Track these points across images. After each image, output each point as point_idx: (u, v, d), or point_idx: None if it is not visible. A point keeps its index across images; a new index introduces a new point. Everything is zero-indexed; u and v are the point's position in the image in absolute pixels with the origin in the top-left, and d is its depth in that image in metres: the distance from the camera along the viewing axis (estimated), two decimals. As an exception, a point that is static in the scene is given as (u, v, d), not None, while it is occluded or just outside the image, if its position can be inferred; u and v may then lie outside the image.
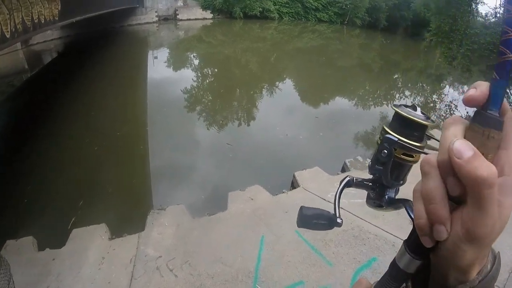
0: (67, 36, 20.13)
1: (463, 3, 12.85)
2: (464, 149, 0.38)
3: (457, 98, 14.09)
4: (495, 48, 10.15)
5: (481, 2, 13.42)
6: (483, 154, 0.39)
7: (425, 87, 16.35)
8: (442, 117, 11.89)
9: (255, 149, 8.24)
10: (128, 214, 5.65)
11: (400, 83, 17.24)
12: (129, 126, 9.13)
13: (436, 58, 16.56)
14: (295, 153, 7.95)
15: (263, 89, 12.96)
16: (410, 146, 0.57)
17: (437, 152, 0.42)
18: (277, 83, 14.05)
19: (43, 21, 7.33)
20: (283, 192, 5.41)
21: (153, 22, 28.01)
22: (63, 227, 4.88)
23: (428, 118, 0.57)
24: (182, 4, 30.29)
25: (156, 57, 18.43)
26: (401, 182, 0.64)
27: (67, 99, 10.42)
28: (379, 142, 0.61)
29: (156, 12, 28.45)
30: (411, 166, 0.61)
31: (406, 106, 0.59)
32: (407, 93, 15.25)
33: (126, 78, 13.74)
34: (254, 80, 14.30)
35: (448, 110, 12.48)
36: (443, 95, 14.73)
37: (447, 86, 16.46)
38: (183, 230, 4.32)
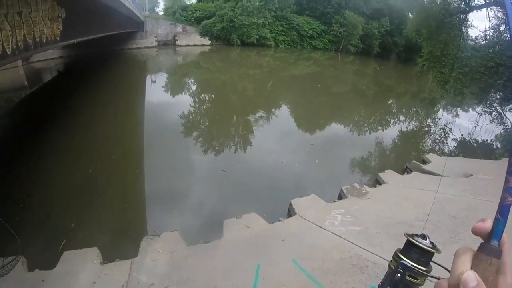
0: (68, 56, 20.47)
1: (454, 28, 13.12)
2: (470, 280, 0.52)
3: (451, 121, 14.30)
4: (486, 70, 10.34)
5: (471, 26, 13.79)
6: (485, 278, 0.54)
7: (419, 111, 16.55)
8: (437, 141, 11.99)
9: (251, 176, 8.20)
10: (121, 238, 5.50)
11: (394, 108, 17.46)
12: (125, 149, 9.09)
13: (429, 83, 16.84)
14: (291, 180, 7.92)
15: (259, 116, 13.06)
16: (421, 271, 0.66)
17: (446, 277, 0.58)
18: (273, 109, 14.21)
19: (44, 40, 7.31)
20: (280, 220, 5.38)
21: (153, 47, 28.63)
22: (54, 248, 4.74)
23: (434, 246, 0.68)
24: (181, 30, 31.15)
25: (154, 81, 18.68)
26: None
27: (63, 119, 10.41)
28: (393, 267, 0.70)
29: (155, 37, 29.18)
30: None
31: (417, 235, 0.69)
32: (401, 117, 15.40)
33: (124, 100, 13.80)
34: (250, 106, 14.44)
35: (443, 134, 12.58)
36: (437, 119, 14.88)
37: (440, 110, 16.67)
38: (177, 257, 4.21)
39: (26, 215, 5.75)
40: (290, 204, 5.80)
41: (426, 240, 0.68)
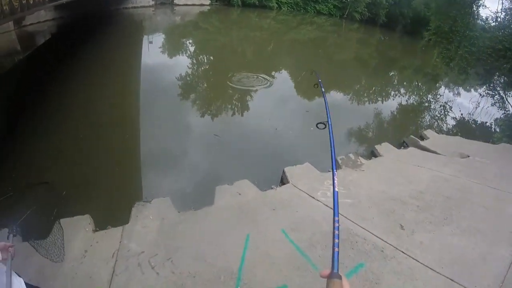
0: (61, 18, 19.52)
1: (465, 5, 12.70)
2: None
3: (452, 99, 14.10)
4: (493, 52, 10.10)
5: (483, 6, 13.30)
6: None
7: (421, 86, 16.28)
8: (436, 117, 11.85)
9: (244, 142, 8.02)
10: (113, 205, 5.37)
11: (396, 81, 17.11)
12: (119, 113, 8.79)
13: (433, 58, 16.46)
14: (285, 148, 7.78)
15: (257, 80, 12.63)
16: None
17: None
18: (272, 73, 13.73)
19: (31, 2, 6.97)
20: (272, 188, 5.27)
21: (149, 6, 27.43)
22: (46, 218, 4.61)
23: None
24: (180, -12, 29.64)
25: (151, 42, 18.04)
26: None
27: (55, 84, 9.98)
28: None
29: (152, -5, 27.82)
30: None
31: None
32: (402, 91, 15.13)
33: (120, 62, 13.33)
34: (249, 70, 13.99)
35: (443, 111, 12.44)
36: (438, 96, 14.68)
37: (442, 87, 16.41)
38: (167, 224, 4.15)
39: (16, 182, 5.59)
40: (284, 172, 5.70)
41: None
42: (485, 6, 13.17)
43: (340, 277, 1.05)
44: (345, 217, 4.28)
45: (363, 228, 4.06)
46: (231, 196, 4.86)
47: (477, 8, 13.16)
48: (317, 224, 4.17)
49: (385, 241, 3.81)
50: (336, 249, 1.15)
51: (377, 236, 3.90)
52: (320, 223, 4.18)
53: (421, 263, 3.50)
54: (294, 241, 3.84)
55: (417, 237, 3.95)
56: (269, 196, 4.92)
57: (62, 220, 4.06)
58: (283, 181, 5.68)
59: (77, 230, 3.96)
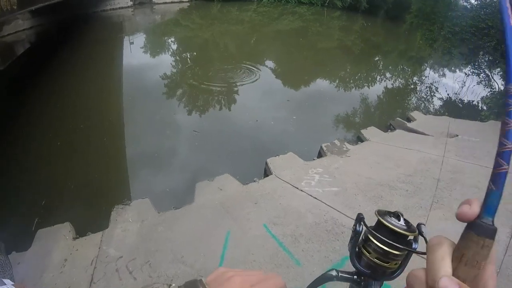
0: (39, 25, 18.91)
1: None
2: (449, 285, 0.41)
3: (438, 80, 13.98)
4: (477, 31, 9.97)
5: (464, -16, 13.19)
6: (476, 262, 0.43)
7: (406, 69, 16.15)
8: (423, 99, 11.70)
9: (224, 136, 7.78)
10: (94, 210, 5.20)
11: (380, 66, 16.95)
12: (97, 117, 8.48)
13: (417, 41, 16.31)
14: (268, 139, 7.56)
15: (240, 74, 12.28)
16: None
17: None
18: (254, 66, 13.34)
19: None
20: (254, 181, 5.00)
21: (128, 7, 26.74)
22: (27, 229, 4.50)
23: (409, 227, 0.61)
24: (157, -14, 28.99)
25: (132, 43, 17.76)
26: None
27: (35, 92, 9.68)
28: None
29: (130, -5, 27.14)
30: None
31: (390, 214, 0.63)
32: (387, 75, 14.97)
33: (100, 65, 13.01)
34: (229, 64, 13.63)
35: (429, 92, 12.30)
36: (423, 77, 14.57)
37: (427, 69, 16.31)
38: (147, 226, 3.97)
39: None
40: (266, 164, 5.46)
41: (400, 220, 0.61)
42: (466, -16, 13.09)
43: (493, 235, 0.45)
44: (330, 206, 4.02)
45: (349, 217, 3.78)
46: (212, 192, 4.65)
47: (459, -12, 13.10)
48: (301, 216, 3.90)
49: (373, 231, 3.53)
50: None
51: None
52: (304, 214, 3.91)
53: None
54: (277, 236, 3.58)
55: (407, 223, 3.67)
56: (251, 190, 4.68)
57: (41, 230, 3.97)
58: (266, 172, 5.46)
59: (57, 239, 3.83)
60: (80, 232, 4.06)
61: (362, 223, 0.67)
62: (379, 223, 0.62)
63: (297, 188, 4.57)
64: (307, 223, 3.75)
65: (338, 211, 3.92)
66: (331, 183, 4.65)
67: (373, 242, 0.62)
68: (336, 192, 4.40)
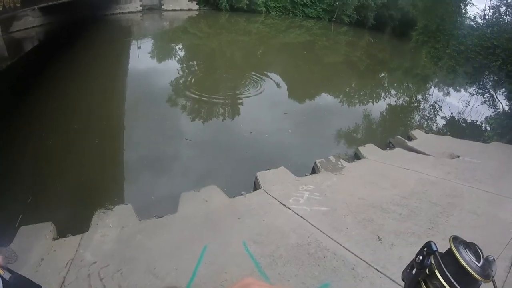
0: (49, 24, 19.15)
1: (452, 3, 12.60)
2: None
3: (441, 99, 13.75)
4: (482, 50, 9.82)
5: (470, 3, 13.10)
6: None
7: (410, 86, 15.94)
8: (426, 117, 11.48)
9: (218, 146, 7.62)
10: (78, 213, 5.05)
11: (385, 82, 16.77)
12: (97, 121, 8.39)
13: (422, 58, 16.18)
14: (262, 152, 7.37)
15: (243, 84, 12.11)
16: None
17: None
18: (259, 78, 13.15)
19: (1, 8, 7.08)
20: (241, 195, 4.77)
21: (137, 12, 26.96)
22: (11, 225, 4.42)
23: (485, 270, 0.54)
24: (168, -7, 29.27)
25: (140, 47, 17.75)
26: None
27: (40, 90, 9.66)
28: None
29: (140, 1, 27.35)
30: None
31: (466, 245, 0.59)
32: (392, 92, 14.77)
33: (106, 67, 12.99)
34: (234, 75, 13.50)
35: (432, 111, 12.08)
36: (427, 95, 14.37)
37: (432, 87, 16.14)
38: (126, 233, 3.84)
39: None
40: (256, 177, 5.25)
41: (480, 261, 0.55)
42: (473, 3, 13.04)
43: None
44: (316, 227, 3.75)
45: (334, 241, 3.50)
46: (197, 204, 4.48)
47: (465, 6, 13.09)
48: (284, 235, 3.64)
49: (358, 257, 3.24)
50: None
51: (349, 250, 3.33)
52: (287, 234, 3.65)
53: (399, 284, 2.83)
54: (254, 256, 3.33)
55: (396, 251, 3.35)
56: (237, 204, 4.48)
57: (23, 227, 3.93)
58: (255, 186, 5.24)
59: (38, 237, 3.78)
60: (61, 232, 4.00)
61: (433, 256, 0.62)
62: (451, 257, 0.58)
63: (284, 205, 4.32)
64: (289, 243, 3.48)
65: (324, 233, 3.64)
66: (320, 202, 4.39)
67: (439, 280, 0.58)
68: (325, 212, 4.14)
